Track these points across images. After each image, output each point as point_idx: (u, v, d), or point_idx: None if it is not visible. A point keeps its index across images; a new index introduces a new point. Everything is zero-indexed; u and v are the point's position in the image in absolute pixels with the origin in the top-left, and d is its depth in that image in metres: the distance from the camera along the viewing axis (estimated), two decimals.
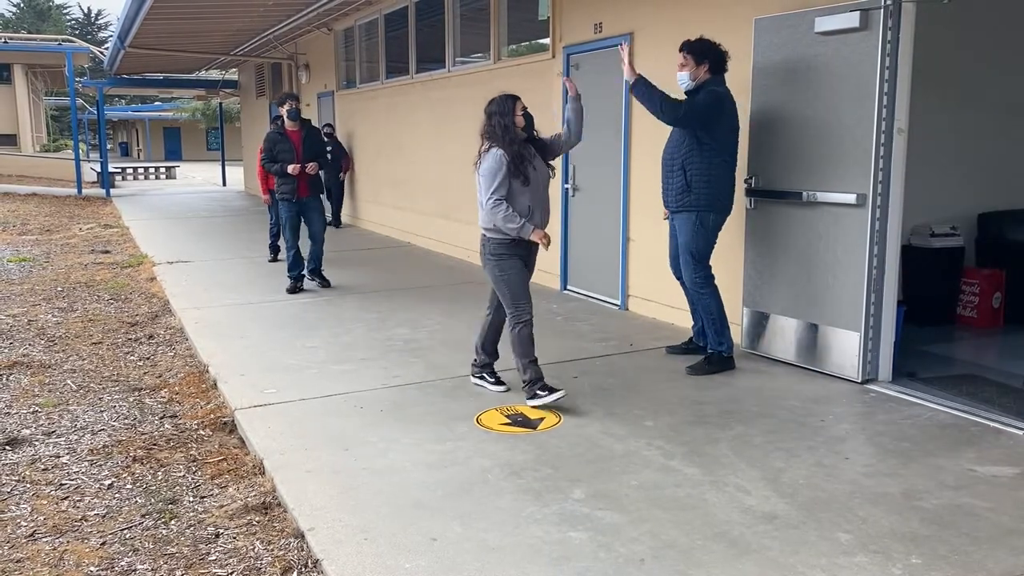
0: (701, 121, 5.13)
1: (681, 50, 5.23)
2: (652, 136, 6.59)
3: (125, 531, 3.43)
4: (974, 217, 6.67)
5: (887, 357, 5.05)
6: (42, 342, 6.43)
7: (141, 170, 31.15)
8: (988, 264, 6.48)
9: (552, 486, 3.62)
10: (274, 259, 10.02)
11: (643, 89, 5.21)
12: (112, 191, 21.78)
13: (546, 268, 8.23)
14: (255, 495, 3.69)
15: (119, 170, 28.93)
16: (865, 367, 5.00)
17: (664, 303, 6.69)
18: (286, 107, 7.87)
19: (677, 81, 5.28)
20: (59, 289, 8.52)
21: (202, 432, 4.53)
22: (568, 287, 7.98)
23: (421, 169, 11.27)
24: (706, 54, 5.17)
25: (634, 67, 5.33)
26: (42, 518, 3.55)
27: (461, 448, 4.07)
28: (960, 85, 6.27)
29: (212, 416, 4.73)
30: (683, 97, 5.27)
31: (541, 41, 8.43)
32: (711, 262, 5.37)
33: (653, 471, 3.78)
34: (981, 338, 6.18)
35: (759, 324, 5.62)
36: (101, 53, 20.53)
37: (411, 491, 3.59)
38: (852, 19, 4.78)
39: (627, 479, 3.69)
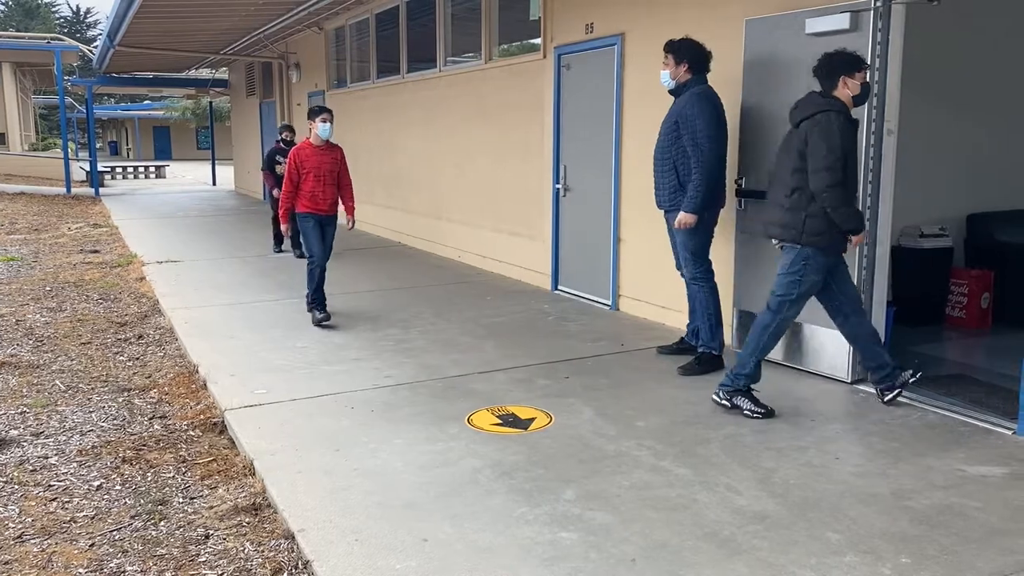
0: (710, 134, 5.10)
1: (664, 50, 5.28)
2: (643, 136, 6.60)
3: (114, 532, 3.41)
4: (963, 218, 6.70)
5: None
6: (30, 342, 6.39)
7: (131, 169, 31.04)
8: (977, 265, 6.51)
9: (543, 486, 3.62)
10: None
11: (699, 201, 5.15)
12: (101, 190, 21.68)
13: (537, 268, 8.24)
14: (245, 496, 3.68)
15: (108, 169, 28.83)
16: (855, 367, 5.01)
17: (655, 303, 6.70)
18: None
19: (660, 80, 5.35)
20: (48, 289, 8.47)
21: (192, 433, 4.51)
22: (559, 287, 7.98)
23: (412, 169, 11.26)
24: (686, 54, 5.21)
25: (684, 220, 5.20)
26: (30, 519, 3.53)
27: (452, 449, 4.06)
28: (949, 86, 6.30)
29: (202, 417, 4.71)
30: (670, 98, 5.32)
31: (532, 41, 8.43)
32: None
33: (644, 471, 3.79)
34: (970, 338, 6.21)
35: (749, 324, 5.60)
36: (90, 51, 20.48)
37: (402, 492, 3.58)
38: (842, 20, 4.79)
39: (618, 479, 3.69)
